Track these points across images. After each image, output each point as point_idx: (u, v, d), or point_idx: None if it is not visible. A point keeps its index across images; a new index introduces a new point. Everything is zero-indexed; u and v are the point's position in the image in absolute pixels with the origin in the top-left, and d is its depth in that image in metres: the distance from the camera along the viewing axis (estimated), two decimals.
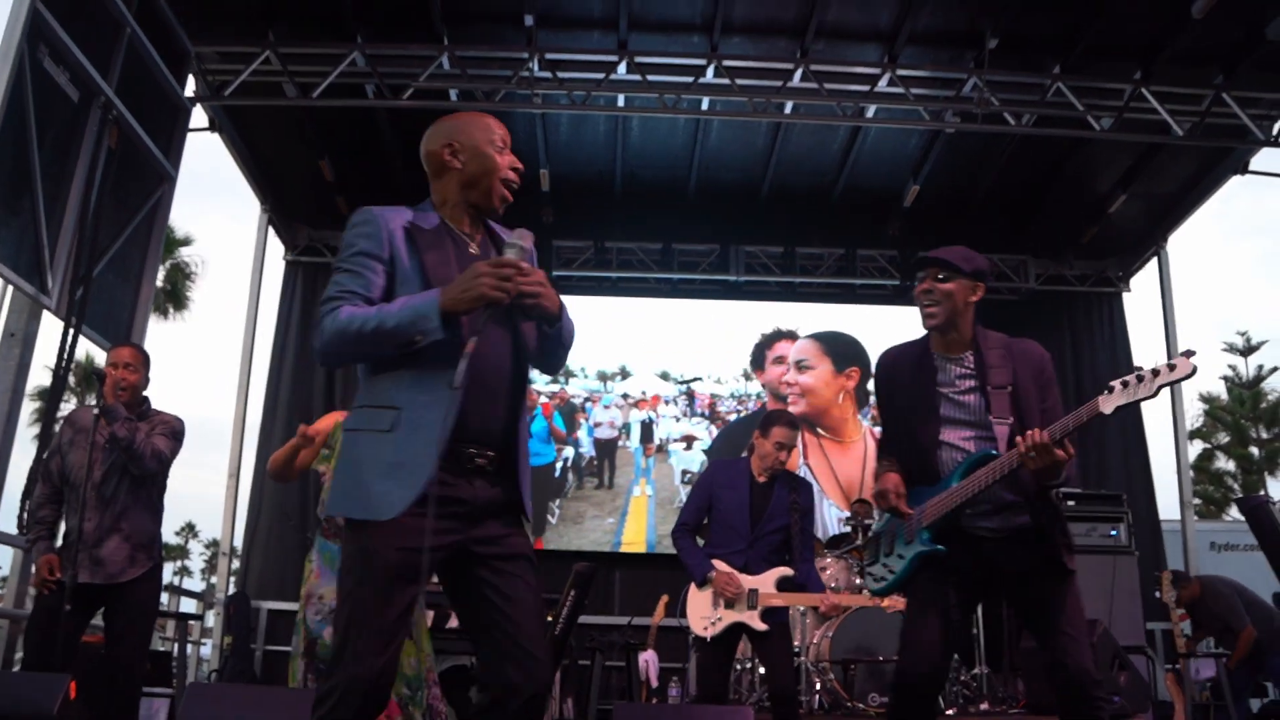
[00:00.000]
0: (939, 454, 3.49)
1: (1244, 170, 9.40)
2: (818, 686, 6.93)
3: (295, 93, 8.30)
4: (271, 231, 10.56)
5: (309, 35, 8.21)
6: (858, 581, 7.30)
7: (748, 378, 11.04)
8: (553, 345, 2.73)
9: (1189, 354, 3.06)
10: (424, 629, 4.43)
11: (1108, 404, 3.15)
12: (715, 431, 10.93)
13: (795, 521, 5.38)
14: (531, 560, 2.62)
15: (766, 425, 5.41)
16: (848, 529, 8.12)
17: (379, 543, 2.42)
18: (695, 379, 11.08)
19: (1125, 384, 3.13)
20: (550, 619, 5.78)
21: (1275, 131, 8.75)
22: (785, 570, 5.31)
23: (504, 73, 8.44)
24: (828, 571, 7.31)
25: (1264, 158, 9.30)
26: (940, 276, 3.61)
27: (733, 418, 10.96)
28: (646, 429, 10.89)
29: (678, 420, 10.96)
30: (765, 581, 5.29)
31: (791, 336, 11.08)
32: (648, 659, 7.94)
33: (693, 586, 5.39)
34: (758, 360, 11.05)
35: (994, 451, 3.35)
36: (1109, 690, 5.98)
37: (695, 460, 10.70)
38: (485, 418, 2.55)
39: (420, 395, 2.48)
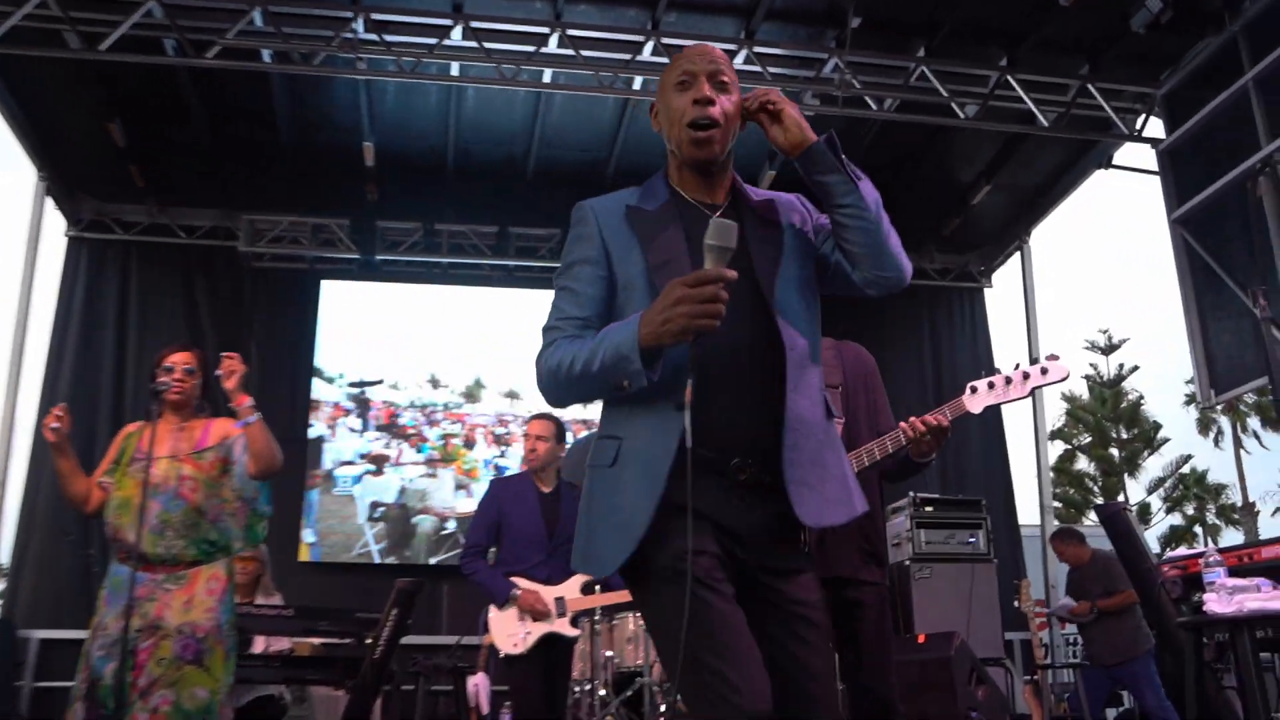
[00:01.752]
0: None
1: (1108, 164, 9.94)
2: (662, 709, 7.01)
3: (79, 44, 7.86)
4: (50, 203, 10.05)
5: None
6: None
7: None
8: None
9: (1053, 357, 3.20)
10: (220, 655, 4.31)
11: (975, 404, 3.28)
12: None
13: None
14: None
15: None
16: None
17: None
18: (375, 382, 10.84)
19: (992, 384, 3.25)
20: (369, 641, 5.77)
21: (1139, 125, 9.27)
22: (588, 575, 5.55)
23: (325, 32, 8.16)
24: None
25: (1127, 152, 9.84)
26: None
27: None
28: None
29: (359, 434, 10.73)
30: (570, 588, 5.62)
31: None
32: (478, 683, 7.90)
33: (493, 607, 5.60)
34: None
35: None
36: (966, 706, 6.26)
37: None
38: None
39: (642, 423, 2.31)
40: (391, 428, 10.63)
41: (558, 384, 2.33)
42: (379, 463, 10.48)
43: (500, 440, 10.78)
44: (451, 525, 10.37)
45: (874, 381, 3.92)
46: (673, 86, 2.45)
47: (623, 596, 5.73)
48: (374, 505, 10.37)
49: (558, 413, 5.57)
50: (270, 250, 10.61)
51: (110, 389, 10.03)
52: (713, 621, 2.14)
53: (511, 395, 10.88)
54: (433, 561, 10.23)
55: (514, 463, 10.54)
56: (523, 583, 5.60)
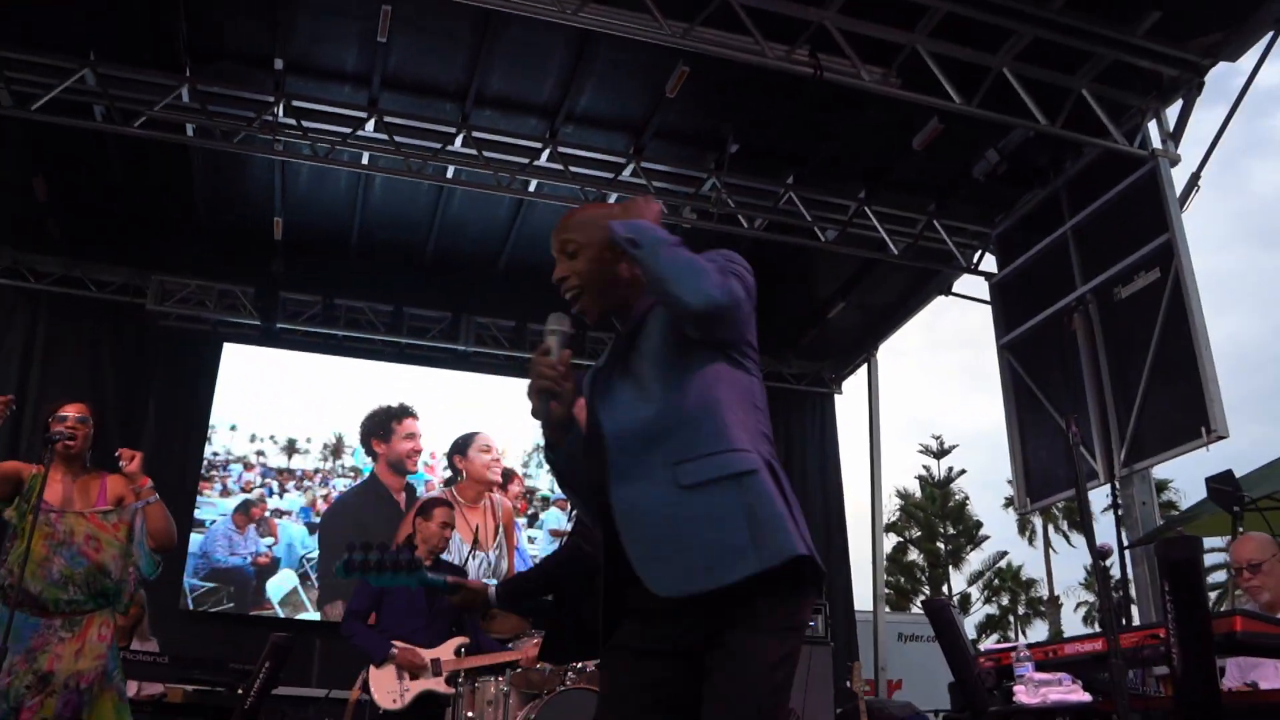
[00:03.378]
0: None
1: (948, 291, 10.32)
2: None
3: (10, 102, 7.72)
4: None
5: (36, 42, 7.66)
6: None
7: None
8: None
9: None
10: (109, 704, 4.12)
11: None
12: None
13: None
14: None
15: (428, 509, 5.90)
16: None
17: (605, 680, 2.37)
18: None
19: None
20: (240, 692, 5.61)
21: (975, 260, 9.68)
22: (463, 639, 5.70)
23: (247, 113, 8.15)
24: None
25: (965, 282, 10.24)
26: None
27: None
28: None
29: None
30: (445, 651, 5.68)
31: (413, 414, 11.00)
32: None
33: (372, 666, 5.59)
34: (382, 431, 10.82)
35: None
36: None
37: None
38: None
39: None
40: (278, 485, 10.35)
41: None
42: (258, 517, 10.17)
43: None
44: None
45: None
46: None
47: (493, 659, 5.69)
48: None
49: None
50: (176, 310, 10.36)
51: (7, 431, 9.59)
52: None
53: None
54: (311, 616, 9.91)
55: None
56: (400, 644, 5.61)
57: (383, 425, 10.81)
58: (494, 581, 3.53)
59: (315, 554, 10.15)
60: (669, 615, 2.17)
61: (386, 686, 5.51)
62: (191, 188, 9.19)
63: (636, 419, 2.31)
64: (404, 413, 10.89)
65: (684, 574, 2.13)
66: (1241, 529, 5.95)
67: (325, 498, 10.44)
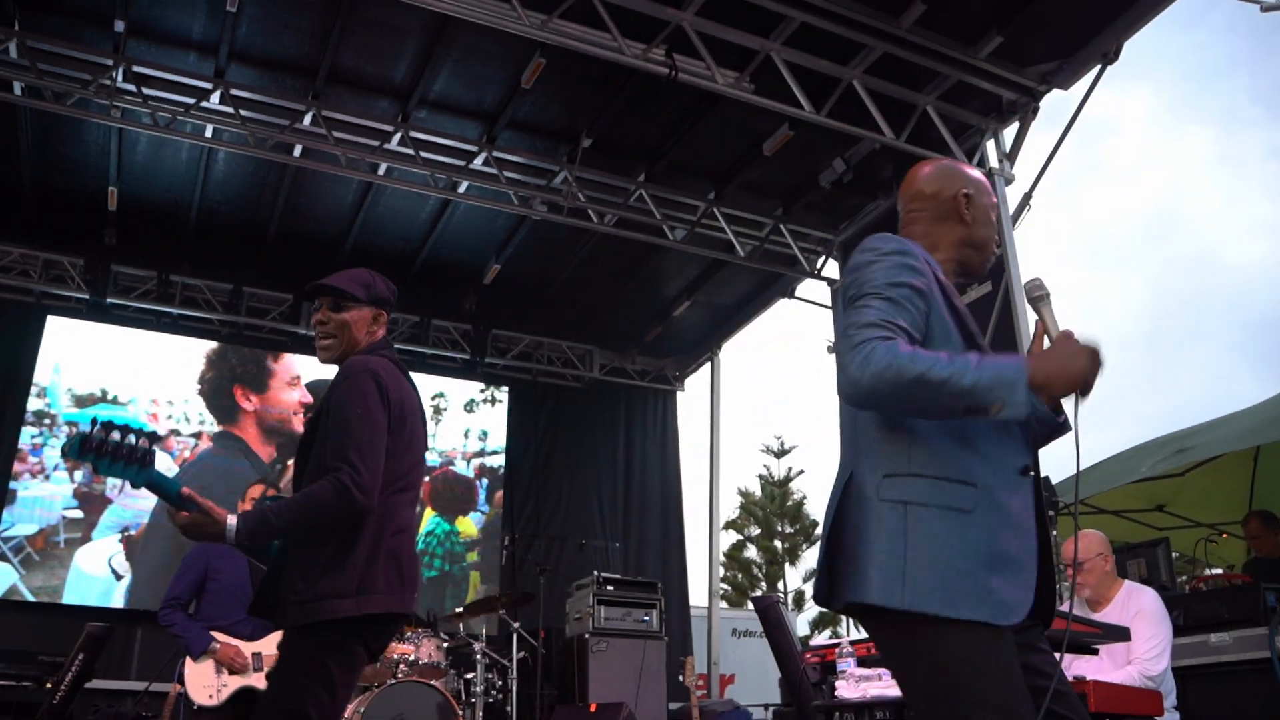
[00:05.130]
0: None
1: (791, 295, 10.55)
2: None
3: None
4: None
5: None
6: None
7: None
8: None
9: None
10: None
11: None
12: None
13: None
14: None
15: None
16: None
17: (1008, 654, 2.05)
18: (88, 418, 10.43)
19: None
20: (49, 685, 5.35)
21: (819, 265, 9.92)
22: None
23: (83, 75, 7.73)
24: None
25: (808, 286, 10.48)
26: (335, 306, 3.24)
27: None
28: None
29: None
30: (268, 644, 5.51)
31: None
32: None
33: (188, 659, 5.37)
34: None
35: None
36: None
37: None
38: None
39: (991, 475, 2.15)
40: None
41: (901, 380, 2.04)
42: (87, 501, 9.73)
43: None
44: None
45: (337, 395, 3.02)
46: (989, 211, 2.53)
47: None
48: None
49: None
50: None
51: None
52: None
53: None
54: (128, 605, 9.51)
55: None
56: (222, 637, 5.40)
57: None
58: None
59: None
60: None
61: (203, 681, 5.31)
62: (18, 150, 8.68)
63: None
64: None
65: None
66: (1055, 532, 6.25)
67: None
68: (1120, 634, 3.81)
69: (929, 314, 2.24)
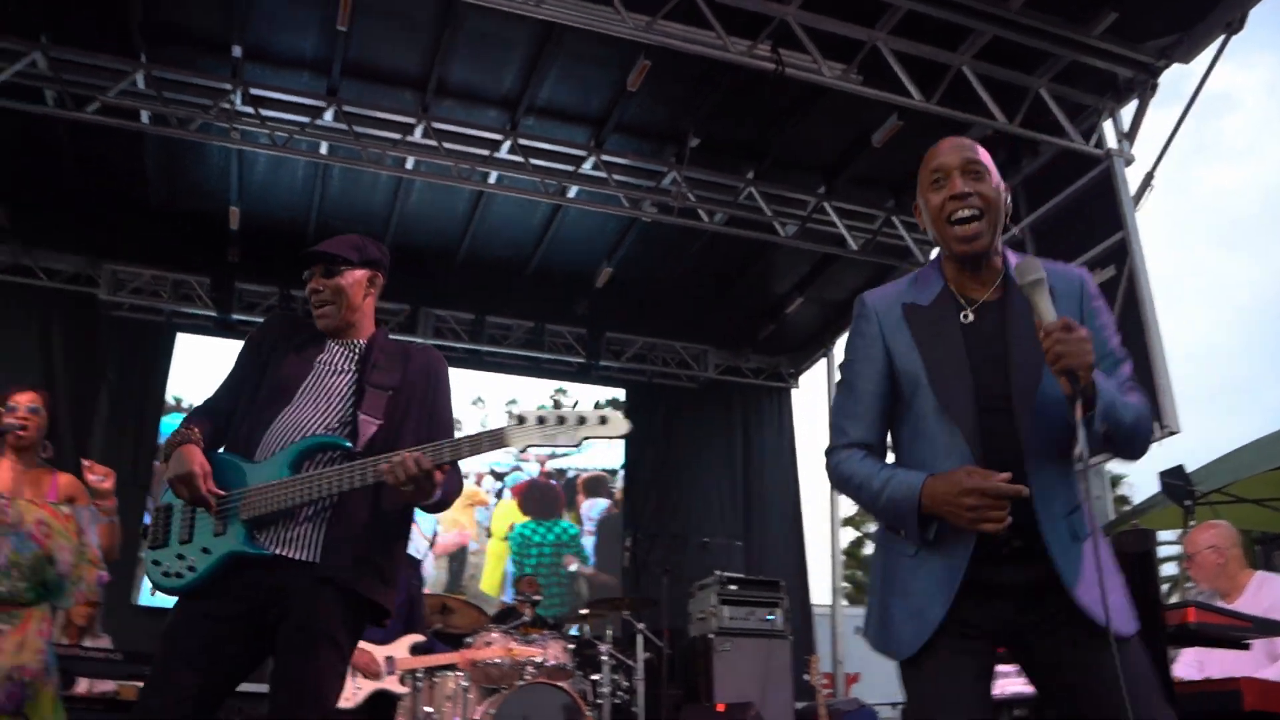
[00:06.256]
0: (271, 429, 2.91)
1: None
2: None
3: None
4: None
5: None
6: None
7: None
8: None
9: (617, 404, 3.06)
10: (49, 696, 4.05)
11: (517, 439, 2.65)
12: None
13: (416, 593, 5.88)
14: None
15: None
16: (513, 603, 8.17)
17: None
18: None
19: (542, 420, 2.64)
20: None
21: (933, 256, 9.71)
22: (417, 636, 5.61)
23: (203, 101, 8.02)
24: (492, 646, 7.29)
25: None
26: (328, 271, 3.13)
27: None
28: None
29: None
30: (400, 648, 5.56)
31: None
32: None
33: None
34: None
35: (336, 440, 2.88)
36: None
37: None
38: None
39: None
40: None
41: (848, 494, 2.30)
42: None
43: None
44: None
45: (440, 389, 3.17)
46: (928, 186, 2.35)
47: (446, 658, 5.65)
48: None
49: None
50: (129, 300, 10.23)
51: None
52: None
53: None
54: None
55: None
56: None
57: None
58: None
59: None
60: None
61: None
62: (145, 175, 9.03)
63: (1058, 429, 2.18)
64: None
65: None
66: (1193, 522, 6.05)
67: None
68: (1273, 628, 3.65)
69: (888, 369, 2.31)
